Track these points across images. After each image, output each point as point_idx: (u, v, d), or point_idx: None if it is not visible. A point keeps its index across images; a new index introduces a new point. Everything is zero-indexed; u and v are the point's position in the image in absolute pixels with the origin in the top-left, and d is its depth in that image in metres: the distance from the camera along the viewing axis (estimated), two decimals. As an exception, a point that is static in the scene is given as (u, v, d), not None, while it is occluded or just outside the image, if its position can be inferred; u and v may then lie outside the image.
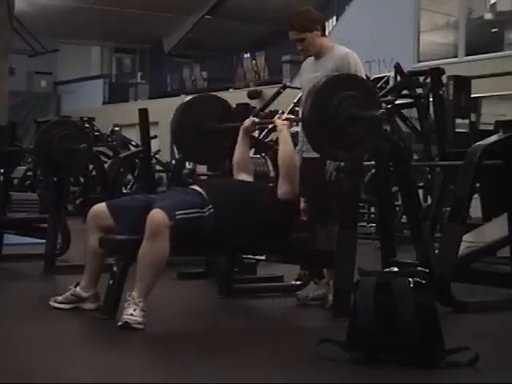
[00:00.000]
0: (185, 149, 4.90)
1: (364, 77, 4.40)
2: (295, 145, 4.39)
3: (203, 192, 3.97)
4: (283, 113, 8.37)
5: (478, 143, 4.43)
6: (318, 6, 15.46)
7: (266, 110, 9.38)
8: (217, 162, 5.19)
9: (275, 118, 4.22)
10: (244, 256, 5.03)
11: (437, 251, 4.45)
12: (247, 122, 4.40)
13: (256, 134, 7.98)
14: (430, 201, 8.19)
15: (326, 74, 4.34)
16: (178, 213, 3.74)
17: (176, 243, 3.70)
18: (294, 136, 10.90)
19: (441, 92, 7.27)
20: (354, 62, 4.34)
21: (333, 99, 3.77)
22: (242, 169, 4.38)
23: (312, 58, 4.54)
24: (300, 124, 4.05)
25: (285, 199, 4.07)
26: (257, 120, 4.49)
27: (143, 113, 6.35)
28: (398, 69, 8.00)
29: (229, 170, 4.65)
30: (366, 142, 3.91)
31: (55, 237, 5.77)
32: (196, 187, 4.05)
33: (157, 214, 3.66)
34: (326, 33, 4.59)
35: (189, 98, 4.83)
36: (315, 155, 4.13)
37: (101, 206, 4.01)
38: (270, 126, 5.30)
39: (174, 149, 13.54)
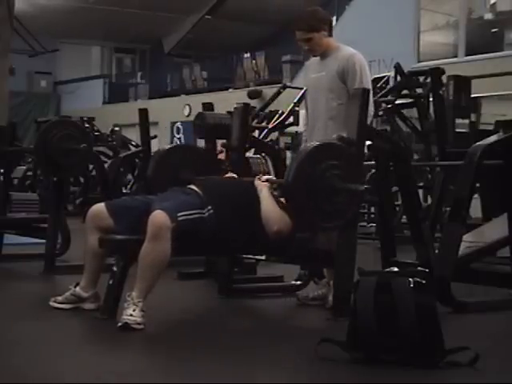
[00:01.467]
0: None
1: (368, 78, 4.39)
2: (297, 145, 4.37)
3: (201, 192, 3.97)
4: (283, 113, 8.37)
5: (477, 143, 4.43)
6: (319, 7, 15.47)
7: (266, 110, 9.38)
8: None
9: (255, 178, 4.20)
10: (244, 256, 5.03)
11: (437, 251, 4.45)
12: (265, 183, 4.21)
13: (256, 134, 8.01)
14: (430, 201, 8.19)
15: (332, 74, 4.35)
16: (179, 214, 3.74)
17: (177, 244, 3.69)
18: (295, 137, 10.91)
19: (441, 92, 7.27)
20: (359, 63, 4.33)
21: (317, 168, 3.75)
22: None
23: (317, 58, 4.52)
24: (282, 187, 4.01)
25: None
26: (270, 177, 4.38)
27: (143, 113, 6.35)
28: (398, 69, 8.00)
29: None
30: (346, 213, 3.89)
31: (55, 237, 5.77)
32: (194, 187, 4.04)
33: (159, 216, 3.66)
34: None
35: (167, 147, 4.85)
36: None
37: (100, 206, 4.01)
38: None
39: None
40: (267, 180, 4.16)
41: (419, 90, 7.82)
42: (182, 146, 5.20)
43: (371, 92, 4.32)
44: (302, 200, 3.79)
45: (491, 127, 7.80)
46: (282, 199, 4.00)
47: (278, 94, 9.85)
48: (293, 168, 3.79)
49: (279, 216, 3.97)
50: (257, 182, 4.15)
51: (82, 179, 11.59)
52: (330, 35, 4.45)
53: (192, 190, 4.02)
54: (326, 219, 3.85)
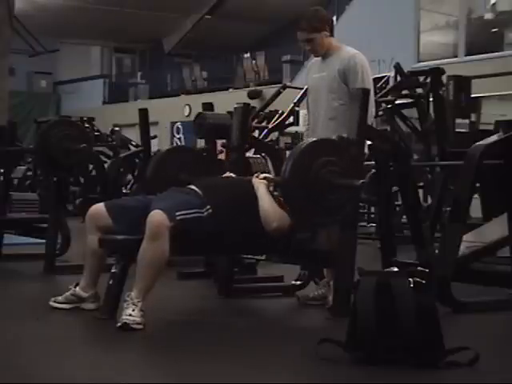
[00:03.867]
0: None
1: (370, 78, 4.39)
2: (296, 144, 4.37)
3: (200, 191, 3.97)
4: (283, 113, 8.36)
5: (477, 143, 4.42)
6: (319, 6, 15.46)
7: (266, 110, 9.37)
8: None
9: (253, 176, 4.21)
10: (244, 256, 5.03)
11: (437, 251, 4.45)
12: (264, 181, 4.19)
13: (256, 134, 8.00)
14: (430, 201, 8.19)
15: (333, 74, 4.35)
16: (178, 213, 3.74)
17: (175, 244, 3.69)
18: (295, 136, 10.91)
19: (441, 92, 7.28)
20: (360, 63, 4.34)
21: (313, 164, 3.76)
22: None
23: (318, 58, 4.53)
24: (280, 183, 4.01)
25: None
26: (268, 176, 4.37)
27: (143, 113, 6.35)
28: (398, 69, 8.00)
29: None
30: (345, 209, 3.89)
31: (55, 237, 5.77)
32: (193, 186, 4.04)
33: (157, 215, 3.66)
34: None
35: (165, 148, 4.85)
36: None
37: (99, 207, 4.01)
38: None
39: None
40: (264, 178, 4.16)
41: (419, 90, 7.82)
42: (180, 148, 5.22)
43: (372, 92, 4.33)
44: (298, 197, 3.80)
45: (491, 127, 7.80)
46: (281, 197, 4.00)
47: (278, 94, 9.83)
48: (288, 165, 3.79)
49: (278, 213, 3.97)
50: (254, 180, 4.15)
51: (82, 179, 11.58)
52: (332, 35, 4.45)
53: (191, 189, 4.02)
54: (322, 215, 3.85)
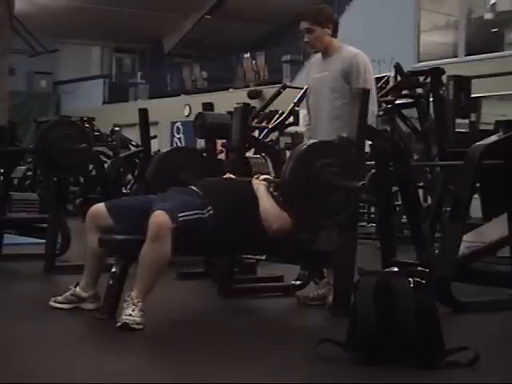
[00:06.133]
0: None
1: (372, 78, 4.40)
2: (297, 144, 4.37)
3: (200, 192, 3.96)
4: (283, 113, 8.36)
5: (478, 143, 4.43)
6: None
7: (266, 110, 9.37)
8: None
9: (253, 178, 4.21)
10: (244, 256, 5.03)
11: (437, 251, 4.45)
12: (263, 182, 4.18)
13: (256, 133, 8.00)
14: (430, 201, 8.20)
15: (335, 73, 4.35)
16: (180, 215, 3.73)
17: (177, 244, 3.69)
18: (295, 136, 10.89)
19: (441, 92, 7.28)
20: (363, 63, 4.34)
21: (313, 166, 3.76)
22: None
23: (319, 58, 4.52)
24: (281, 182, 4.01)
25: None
26: (268, 177, 4.37)
27: (143, 113, 6.35)
28: (398, 69, 8.00)
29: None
30: (345, 211, 3.89)
31: (55, 237, 5.77)
32: (194, 187, 4.04)
33: (160, 216, 3.66)
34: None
35: (165, 149, 4.85)
36: None
37: (100, 206, 4.01)
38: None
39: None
40: (264, 179, 4.16)
41: (419, 90, 7.82)
42: (180, 149, 5.23)
43: (375, 91, 4.33)
44: (298, 198, 3.79)
45: (491, 127, 7.80)
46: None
47: (278, 94, 9.84)
48: (288, 167, 3.79)
49: (278, 214, 3.96)
50: (254, 181, 4.15)
51: (82, 179, 11.58)
52: (334, 36, 4.45)
53: (192, 190, 4.02)
54: (322, 217, 3.85)
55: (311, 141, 4.02)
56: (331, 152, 3.85)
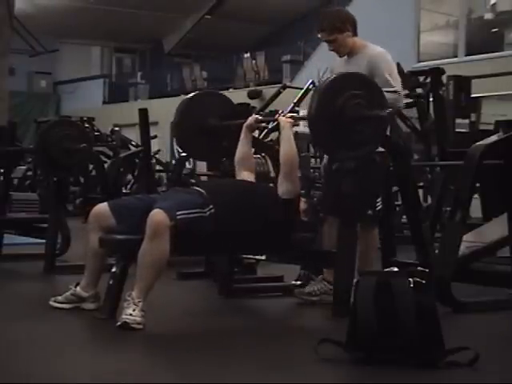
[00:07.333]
0: (186, 145, 4.89)
1: (397, 76, 4.41)
2: (297, 146, 4.38)
3: (204, 192, 3.96)
4: (283, 112, 8.35)
5: (478, 143, 4.43)
6: (319, 6, 15.47)
7: (266, 110, 9.37)
8: (217, 160, 5.19)
9: (278, 115, 4.19)
10: (244, 256, 5.03)
11: (437, 251, 4.45)
12: (250, 120, 4.39)
13: (256, 133, 8.00)
14: (430, 201, 8.19)
15: (361, 71, 4.35)
16: (178, 213, 3.73)
17: (177, 243, 3.69)
18: (295, 136, 10.84)
19: (441, 92, 7.27)
20: (385, 60, 4.36)
21: (339, 98, 3.78)
22: (245, 167, 4.36)
23: (342, 58, 4.53)
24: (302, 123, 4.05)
25: (286, 198, 4.05)
26: (260, 117, 4.48)
27: (143, 113, 6.35)
28: (397, 69, 7.99)
29: (229, 170, 4.64)
30: (372, 142, 3.90)
31: (55, 237, 5.77)
32: (197, 188, 4.04)
33: (157, 215, 3.66)
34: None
35: (192, 94, 4.80)
36: None
37: (103, 206, 4.01)
38: (273, 124, 5.27)
39: (175, 149, 13.53)
40: (291, 117, 4.16)
41: (419, 90, 7.82)
42: (206, 93, 5.17)
43: (400, 85, 4.35)
44: (325, 131, 3.80)
45: (491, 127, 7.80)
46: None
47: (278, 94, 9.85)
48: (315, 100, 3.80)
49: (298, 161, 3.99)
50: (280, 118, 4.16)
51: (82, 179, 11.59)
52: (355, 35, 4.45)
53: (195, 190, 4.02)
54: (349, 149, 3.85)
55: (336, 74, 4.00)
56: (356, 83, 3.86)
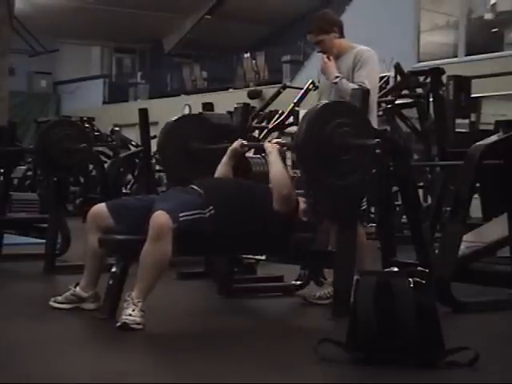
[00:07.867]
0: (168, 166, 4.93)
1: (377, 73, 4.47)
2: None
3: (202, 192, 3.96)
4: (283, 113, 8.36)
5: (478, 143, 4.43)
6: (319, 7, 15.47)
7: (266, 110, 9.37)
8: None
9: (265, 141, 4.21)
10: (244, 256, 5.03)
11: (437, 251, 4.45)
12: (236, 144, 4.35)
13: (256, 133, 8.00)
14: (430, 201, 8.19)
15: (347, 73, 4.42)
16: (181, 215, 3.73)
17: (178, 244, 3.69)
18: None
19: (441, 92, 7.28)
20: (366, 57, 4.39)
21: (327, 126, 3.76)
22: None
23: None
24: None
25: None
26: (245, 142, 4.44)
27: (143, 113, 6.35)
28: (398, 69, 8.00)
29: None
30: (360, 171, 3.89)
31: (55, 237, 5.77)
32: (195, 187, 4.04)
33: (160, 216, 3.65)
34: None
35: (175, 117, 4.82)
36: None
37: (101, 207, 4.01)
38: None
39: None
40: (277, 143, 4.16)
41: (419, 90, 7.82)
42: (190, 117, 5.16)
43: (376, 90, 4.37)
44: (312, 159, 3.78)
45: (491, 127, 7.81)
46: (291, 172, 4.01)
47: (278, 93, 9.84)
48: (302, 128, 3.79)
49: (289, 180, 3.96)
50: (266, 145, 4.15)
51: (82, 179, 11.60)
52: (342, 36, 4.51)
53: (193, 189, 4.02)
54: (336, 177, 3.84)
55: (323, 101, 4.02)
56: (343, 111, 3.86)
